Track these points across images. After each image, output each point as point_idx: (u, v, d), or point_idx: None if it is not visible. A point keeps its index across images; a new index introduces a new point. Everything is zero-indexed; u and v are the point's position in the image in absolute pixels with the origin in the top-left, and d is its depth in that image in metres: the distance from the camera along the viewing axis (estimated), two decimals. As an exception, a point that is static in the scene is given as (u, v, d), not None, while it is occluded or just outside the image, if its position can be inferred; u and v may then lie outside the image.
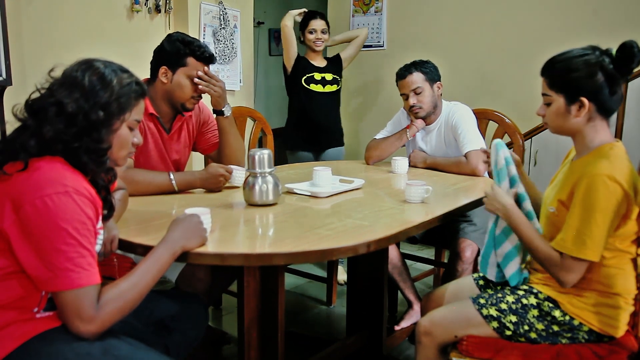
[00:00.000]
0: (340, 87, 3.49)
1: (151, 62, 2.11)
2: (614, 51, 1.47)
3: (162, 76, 2.06)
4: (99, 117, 1.24)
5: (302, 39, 3.43)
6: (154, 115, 2.10)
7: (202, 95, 2.13)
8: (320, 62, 3.46)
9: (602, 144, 1.50)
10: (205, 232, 1.39)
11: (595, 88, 1.46)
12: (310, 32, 3.38)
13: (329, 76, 3.42)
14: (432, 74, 2.57)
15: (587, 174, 1.42)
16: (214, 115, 2.25)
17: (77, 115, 1.22)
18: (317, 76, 3.37)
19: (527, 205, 1.61)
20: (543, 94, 1.55)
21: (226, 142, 2.25)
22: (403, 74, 2.57)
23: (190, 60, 2.05)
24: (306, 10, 3.48)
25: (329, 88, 3.42)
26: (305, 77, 3.37)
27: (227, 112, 2.20)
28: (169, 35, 2.11)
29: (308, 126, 3.39)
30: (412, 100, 2.56)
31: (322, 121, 3.40)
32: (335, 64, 3.52)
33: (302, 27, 3.42)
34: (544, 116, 1.58)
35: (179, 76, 2.06)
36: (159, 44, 2.11)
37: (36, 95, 1.25)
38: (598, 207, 1.39)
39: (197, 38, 2.12)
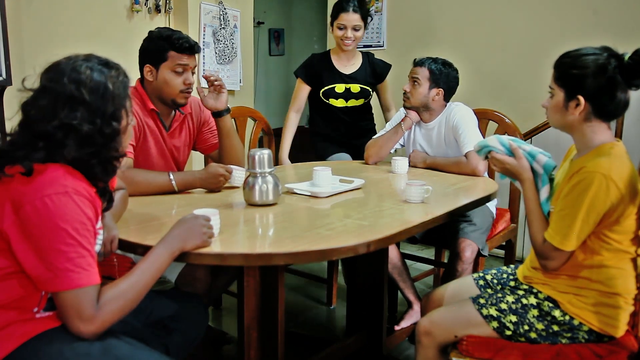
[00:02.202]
0: (370, 99, 2.94)
1: (138, 63, 2.10)
2: (627, 57, 1.44)
3: (148, 75, 2.06)
4: (113, 128, 1.24)
5: (330, 30, 2.85)
6: (154, 110, 2.10)
7: (192, 88, 2.11)
8: (348, 65, 2.86)
9: (602, 143, 1.50)
10: (206, 235, 1.38)
11: (595, 89, 1.46)
12: (340, 28, 2.77)
13: (355, 87, 2.85)
14: (438, 78, 2.54)
15: (584, 170, 1.43)
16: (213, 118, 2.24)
17: (93, 135, 1.21)
18: (339, 88, 2.83)
19: (537, 166, 1.63)
20: (549, 87, 1.56)
21: (226, 143, 2.25)
22: (417, 61, 2.59)
23: (171, 53, 2.02)
24: None
25: (353, 103, 2.87)
26: (324, 89, 2.83)
27: (227, 112, 2.20)
28: (150, 33, 2.09)
29: (336, 140, 2.95)
30: (407, 87, 2.58)
31: (348, 138, 2.94)
32: (371, 74, 2.90)
33: (332, 15, 2.82)
34: (547, 108, 1.58)
35: (163, 72, 2.04)
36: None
37: (27, 111, 1.21)
38: (588, 203, 1.41)
39: (179, 30, 2.10)
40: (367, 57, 2.97)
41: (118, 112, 1.26)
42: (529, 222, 1.58)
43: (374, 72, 2.95)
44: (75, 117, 1.19)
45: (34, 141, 1.19)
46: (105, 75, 1.25)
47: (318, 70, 2.86)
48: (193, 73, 2.11)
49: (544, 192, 1.61)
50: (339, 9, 2.77)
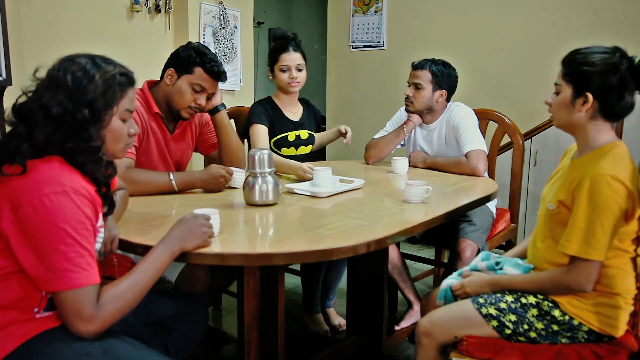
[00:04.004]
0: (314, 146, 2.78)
1: (165, 64, 2.13)
2: (637, 59, 1.45)
3: (167, 77, 2.09)
4: (85, 115, 1.22)
5: (270, 77, 2.68)
6: (158, 114, 2.11)
7: (202, 108, 2.13)
8: (294, 112, 2.71)
9: (605, 143, 1.50)
10: (206, 234, 1.38)
11: (604, 88, 1.45)
12: (283, 70, 2.59)
13: (304, 134, 2.70)
14: (440, 79, 2.54)
15: (589, 174, 1.42)
16: (211, 115, 2.24)
17: (63, 117, 1.20)
18: (291, 136, 2.66)
19: (507, 270, 1.65)
20: (555, 83, 1.55)
21: (224, 139, 2.24)
22: (417, 65, 2.59)
23: (198, 70, 2.06)
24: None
25: (303, 150, 2.70)
26: (275, 139, 2.63)
27: (223, 107, 2.21)
28: (188, 43, 2.14)
29: None
30: (409, 91, 2.58)
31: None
32: (313, 116, 2.81)
33: (271, 61, 2.64)
34: (550, 105, 1.57)
35: (182, 82, 2.07)
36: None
37: (23, 99, 1.24)
38: (602, 208, 1.39)
39: (215, 54, 2.11)
40: (305, 102, 2.82)
41: (96, 102, 1.23)
42: (543, 290, 1.53)
43: (315, 118, 2.84)
44: (53, 99, 1.20)
45: (16, 124, 1.21)
46: (98, 69, 1.25)
47: (272, 117, 2.63)
48: (208, 98, 2.13)
49: (511, 270, 1.62)
50: (278, 51, 2.59)
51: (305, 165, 2.28)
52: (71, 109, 1.20)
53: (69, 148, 1.21)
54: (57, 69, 1.24)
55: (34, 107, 1.21)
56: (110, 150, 1.31)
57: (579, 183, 1.44)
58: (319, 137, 2.83)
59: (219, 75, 2.09)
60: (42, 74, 1.26)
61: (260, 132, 2.55)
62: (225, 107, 2.23)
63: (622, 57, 1.46)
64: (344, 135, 2.72)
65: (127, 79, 1.30)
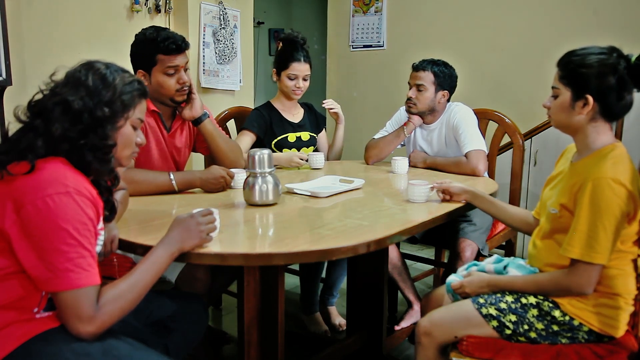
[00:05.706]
0: (317, 147, 2.84)
1: (132, 68, 2.08)
2: (634, 58, 1.44)
3: (142, 80, 2.06)
4: (105, 113, 1.26)
5: (274, 79, 2.74)
6: (155, 112, 2.10)
7: (187, 85, 2.09)
8: (294, 114, 2.77)
9: (604, 145, 1.50)
10: (204, 232, 1.38)
11: (603, 89, 1.45)
12: (290, 78, 2.66)
13: (305, 135, 2.75)
14: (442, 80, 2.54)
15: (590, 177, 1.41)
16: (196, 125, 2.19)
17: (82, 113, 1.24)
18: (292, 137, 2.71)
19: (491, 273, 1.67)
20: (552, 87, 1.54)
21: (213, 147, 2.22)
22: (418, 66, 2.58)
23: (160, 57, 2.02)
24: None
25: (305, 152, 2.72)
26: (276, 140, 2.68)
27: (205, 117, 2.18)
28: (136, 37, 2.08)
29: None
30: (411, 93, 2.58)
31: None
32: (314, 120, 2.87)
33: (279, 65, 2.68)
34: (549, 108, 1.57)
35: (155, 76, 2.04)
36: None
37: (39, 96, 1.27)
38: (605, 211, 1.39)
39: (167, 27, 2.05)
40: (307, 107, 2.88)
41: (115, 103, 1.28)
42: (542, 291, 1.53)
43: (317, 121, 2.88)
44: (74, 95, 1.24)
45: (33, 121, 1.24)
46: (118, 74, 1.31)
47: (269, 121, 2.69)
48: (186, 69, 2.09)
49: (514, 272, 1.62)
50: (289, 59, 2.63)
51: (296, 153, 2.48)
52: (91, 106, 1.25)
53: (81, 145, 1.23)
54: (78, 70, 1.29)
55: (51, 103, 1.24)
56: (118, 154, 1.33)
57: (581, 186, 1.43)
58: (336, 140, 2.86)
59: (179, 49, 2.03)
60: (58, 76, 1.29)
61: (243, 138, 2.63)
62: (207, 116, 2.19)
63: (619, 57, 1.46)
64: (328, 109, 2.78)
65: (143, 88, 1.36)
